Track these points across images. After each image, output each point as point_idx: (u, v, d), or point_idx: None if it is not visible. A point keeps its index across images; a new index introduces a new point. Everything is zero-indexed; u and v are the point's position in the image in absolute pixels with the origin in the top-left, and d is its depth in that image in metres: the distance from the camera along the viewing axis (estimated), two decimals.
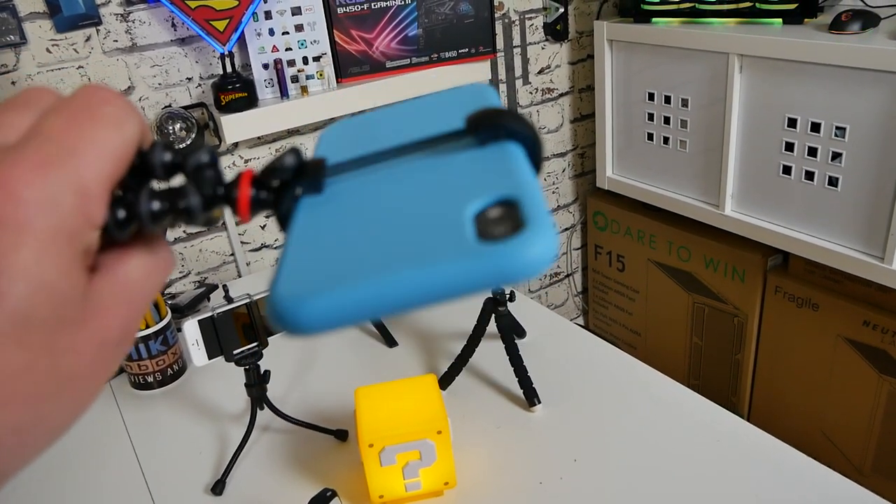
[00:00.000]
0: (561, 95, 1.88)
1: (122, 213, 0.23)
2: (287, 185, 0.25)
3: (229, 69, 1.31)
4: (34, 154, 0.21)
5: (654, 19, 1.57)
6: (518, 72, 1.78)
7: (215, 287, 1.33)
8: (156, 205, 0.23)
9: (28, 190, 0.20)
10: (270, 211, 0.25)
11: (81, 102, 0.23)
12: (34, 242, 0.20)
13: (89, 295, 0.22)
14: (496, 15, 1.67)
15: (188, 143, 1.24)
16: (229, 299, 0.89)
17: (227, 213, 1.49)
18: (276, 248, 1.58)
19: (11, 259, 0.19)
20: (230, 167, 1.46)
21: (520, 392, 0.96)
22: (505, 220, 0.21)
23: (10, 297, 0.19)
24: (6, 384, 0.20)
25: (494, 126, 0.26)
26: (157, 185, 0.25)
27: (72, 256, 0.21)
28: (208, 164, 0.24)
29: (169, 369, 1.07)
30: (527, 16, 1.74)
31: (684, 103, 1.55)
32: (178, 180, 0.25)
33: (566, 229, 2.04)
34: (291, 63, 1.38)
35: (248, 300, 0.89)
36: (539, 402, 0.94)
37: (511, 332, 0.98)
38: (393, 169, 0.26)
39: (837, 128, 1.27)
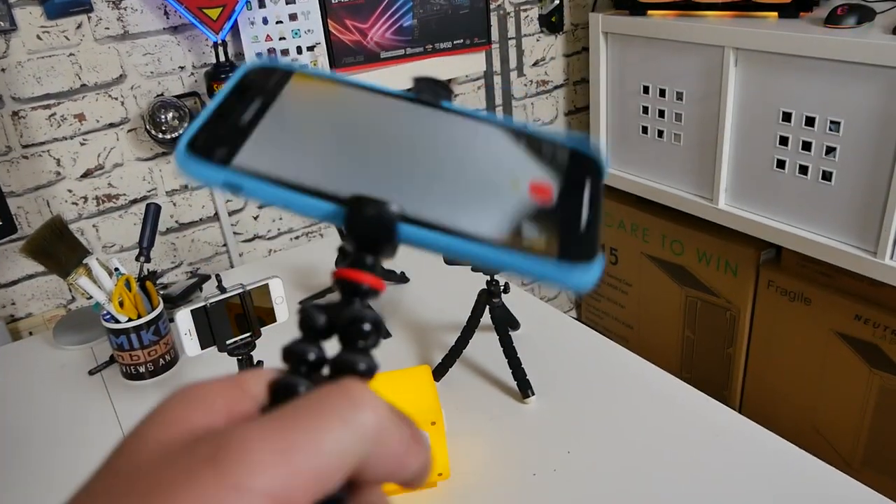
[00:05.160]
0: (556, 88, 1.87)
1: None
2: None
3: (222, 58, 1.30)
4: None
5: (649, 12, 1.57)
6: (513, 63, 1.77)
7: (208, 277, 1.32)
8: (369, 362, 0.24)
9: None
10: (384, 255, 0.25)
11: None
12: None
13: None
14: (491, 6, 1.67)
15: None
16: (222, 289, 0.88)
17: (218, 203, 1.48)
18: (268, 238, 1.57)
19: None
20: None
21: (513, 384, 0.96)
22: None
23: None
24: None
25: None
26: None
27: None
28: (360, 317, 0.24)
29: (161, 359, 1.06)
30: (522, 7, 1.73)
31: (679, 97, 1.55)
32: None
33: None
34: (285, 52, 1.38)
35: (241, 290, 0.88)
36: (533, 394, 0.94)
37: (505, 324, 0.98)
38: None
39: (832, 122, 1.28)
